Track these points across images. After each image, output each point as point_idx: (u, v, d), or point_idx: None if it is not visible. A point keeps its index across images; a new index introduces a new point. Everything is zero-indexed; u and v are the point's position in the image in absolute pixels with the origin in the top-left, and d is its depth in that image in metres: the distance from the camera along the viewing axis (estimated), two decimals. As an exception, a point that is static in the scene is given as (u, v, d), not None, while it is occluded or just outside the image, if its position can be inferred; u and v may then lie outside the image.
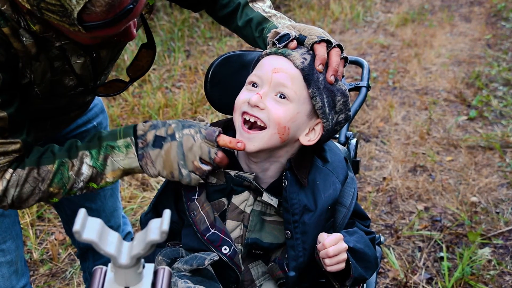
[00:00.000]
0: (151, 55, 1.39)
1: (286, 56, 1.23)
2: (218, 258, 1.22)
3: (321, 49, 1.23)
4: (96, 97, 1.72)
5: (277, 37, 1.26)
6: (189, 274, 1.21)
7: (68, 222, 1.86)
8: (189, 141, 1.21)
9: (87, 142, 1.26)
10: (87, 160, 1.23)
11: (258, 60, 1.30)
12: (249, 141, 1.21)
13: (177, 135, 1.22)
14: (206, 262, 1.19)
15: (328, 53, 1.24)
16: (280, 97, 1.20)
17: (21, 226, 2.77)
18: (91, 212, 1.76)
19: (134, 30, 1.20)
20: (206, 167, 1.22)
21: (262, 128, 1.21)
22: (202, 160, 1.22)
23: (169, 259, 1.28)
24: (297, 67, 1.21)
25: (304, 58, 1.22)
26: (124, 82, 1.40)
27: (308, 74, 1.21)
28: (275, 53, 1.25)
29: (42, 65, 1.20)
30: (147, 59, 1.40)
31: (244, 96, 1.24)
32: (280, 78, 1.20)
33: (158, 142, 1.22)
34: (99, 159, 1.23)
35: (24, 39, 1.13)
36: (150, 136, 1.23)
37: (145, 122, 1.27)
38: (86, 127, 1.69)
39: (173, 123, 1.25)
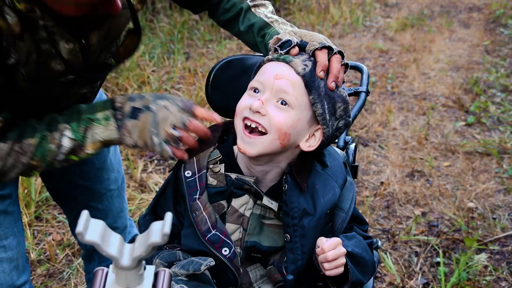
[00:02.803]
0: (137, 40, 1.41)
1: (287, 62, 1.24)
2: (214, 263, 1.22)
3: (322, 56, 1.24)
4: (98, 97, 1.73)
5: (279, 43, 1.27)
6: (185, 279, 1.21)
7: (74, 222, 1.86)
8: (163, 111, 1.24)
9: (67, 115, 1.28)
10: (68, 133, 1.25)
11: (260, 66, 1.31)
12: (249, 145, 1.22)
13: (152, 106, 1.25)
14: (203, 268, 1.20)
15: (329, 60, 1.26)
16: (282, 103, 1.21)
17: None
18: (98, 212, 1.77)
19: (119, 2, 1.19)
20: (178, 133, 1.24)
21: (263, 133, 1.22)
22: (175, 128, 1.25)
23: (166, 263, 1.28)
24: (298, 73, 1.22)
25: (306, 65, 1.23)
26: (110, 65, 1.41)
27: (309, 81, 1.22)
28: (277, 60, 1.26)
29: (26, 45, 1.19)
30: (132, 44, 1.42)
31: (246, 102, 1.25)
32: (282, 85, 1.21)
33: (135, 113, 1.26)
34: (79, 132, 1.26)
35: (8, 17, 1.13)
36: (127, 108, 1.27)
37: (122, 95, 1.30)
38: None
39: (150, 96, 1.29)
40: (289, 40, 1.26)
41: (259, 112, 1.21)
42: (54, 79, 1.30)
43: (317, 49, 1.25)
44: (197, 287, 1.20)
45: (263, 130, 1.21)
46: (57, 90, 1.36)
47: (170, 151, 1.25)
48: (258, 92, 1.25)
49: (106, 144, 1.29)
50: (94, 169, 1.72)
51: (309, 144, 1.27)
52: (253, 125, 1.22)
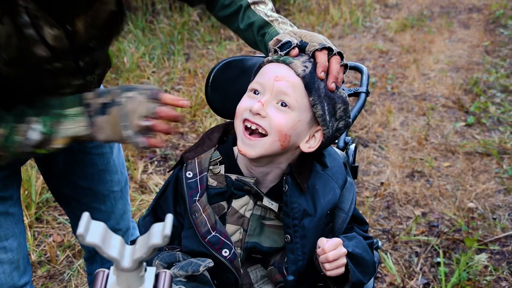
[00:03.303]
0: (121, 23, 1.39)
1: (287, 64, 1.24)
2: (213, 264, 1.23)
3: (322, 57, 1.25)
4: None
5: (279, 44, 1.27)
6: (184, 280, 1.21)
7: (77, 223, 1.84)
8: (131, 103, 1.23)
9: (37, 109, 1.27)
10: (37, 126, 1.24)
11: (259, 67, 1.31)
12: (250, 147, 1.23)
13: (120, 99, 1.24)
14: (201, 269, 1.20)
15: (328, 61, 1.26)
16: (282, 105, 1.22)
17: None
18: (101, 214, 1.77)
19: None
20: (148, 123, 1.23)
21: (263, 135, 1.22)
22: (146, 118, 1.23)
23: (166, 264, 1.28)
24: (298, 75, 1.22)
25: (306, 66, 1.23)
26: (92, 48, 1.38)
27: (309, 82, 1.22)
28: (277, 61, 1.26)
29: (5, 29, 1.16)
30: (117, 29, 1.40)
31: (246, 103, 1.25)
32: (282, 86, 1.22)
33: (104, 109, 1.24)
34: (49, 126, 1.25)
35: None
36: (96, 104, 1.25)
37: (91, 91, 1.29)
38: None
39: (117, 88, 1.27)
40: (289, 41, 1.26)
41: (259, 114, 1.21)
42: (38, 66, 1.27)
43: (317, 50, 1.25)
44: (195, 288, 1.21)
45: (263, 132, 1.22)
46: (45, 79, 1.33)
47: (143, 141, 1.24)
48: (258, 94, 1.25)
49: (76, 139, 1.28)
50: (97, 170, 1.72)
51: (309, 145, 1.27)
52: (253, 127, 1.22)
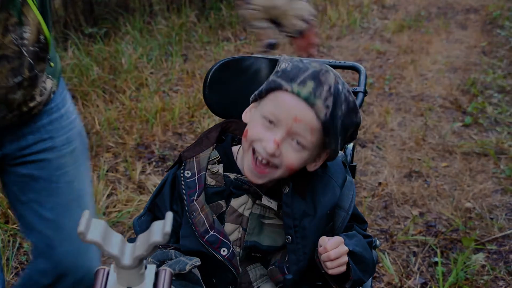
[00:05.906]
0: None
1: (310, 106, 1.17)
2: (200, 263, 1.22)
3: (302, 41, 1.28)
4: (74, 119, 1.55)
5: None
6: (173, 278, 1.22)
7: (40, 255, 1.57)
8: None
9: None
10: None
11: (273, 89, 1.22)
12: (258, 178, 1.24)
13: None
14: (187, 267, 1.19)
15: (307, 35, 1.27)
16: (297, 142, 1.20)
17: (19, 228, 2.77)
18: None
19: None
20: None
21: (273, 166, 1.22)
22: None
23: (158, 262, 1.28)
24: (319, 119, 1.17)
25: (327, 107, 1.17)
26: None
27: (329, 127, 1.18)
28: (298, 95, 1.17)
29: None
30: None
31: (259, 134, 1.22)
32: (300, 129, 1.18)
33: None
34: None
35: None
36: None
37: None
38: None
39: None
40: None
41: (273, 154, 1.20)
42: None
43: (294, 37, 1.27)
44: (184, 286, 1.21)
45: (274, 165, 1.22)
46: None
47: None
48: (272, 124, 1.21)
49: None
50: (65, 201, 1.53)
51: (315, 163, 1.28)
52: (264, 162, 1.21)
